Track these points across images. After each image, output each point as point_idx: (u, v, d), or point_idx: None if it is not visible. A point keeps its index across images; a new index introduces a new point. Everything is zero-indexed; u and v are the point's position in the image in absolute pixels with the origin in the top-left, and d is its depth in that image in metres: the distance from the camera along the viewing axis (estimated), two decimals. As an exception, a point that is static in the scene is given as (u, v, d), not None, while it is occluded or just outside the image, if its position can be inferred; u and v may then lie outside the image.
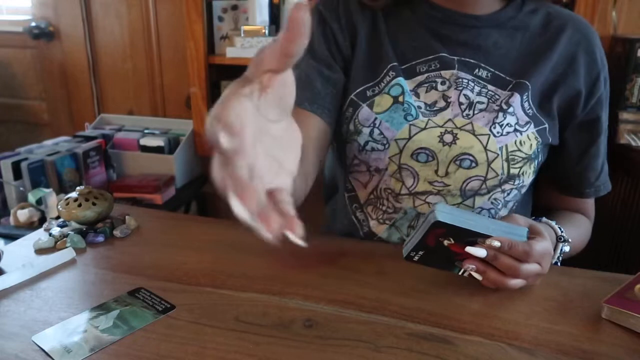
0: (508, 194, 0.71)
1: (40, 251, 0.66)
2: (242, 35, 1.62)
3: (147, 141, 1.75)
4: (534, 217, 0.68)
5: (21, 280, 0.58)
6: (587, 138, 0.74)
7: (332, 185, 0.89)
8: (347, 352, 0.47)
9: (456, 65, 0.69)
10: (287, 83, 0.31)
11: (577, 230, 0.75)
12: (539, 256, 0.54)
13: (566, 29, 0.70)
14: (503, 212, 0.73)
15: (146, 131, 1.84)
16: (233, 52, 1.64)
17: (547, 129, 0.70)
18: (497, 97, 0.68)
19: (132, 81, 2.03)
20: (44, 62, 2.12)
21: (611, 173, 0.80)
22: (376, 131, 0.68)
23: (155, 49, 1.95)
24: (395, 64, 0.69)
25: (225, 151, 0.27)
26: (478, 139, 0.66)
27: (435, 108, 0.68)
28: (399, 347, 0.48)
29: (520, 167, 0.68)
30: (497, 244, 0.52)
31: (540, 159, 0.71)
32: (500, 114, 0.67)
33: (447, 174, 0.67)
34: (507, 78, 0.69)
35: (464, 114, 0.68)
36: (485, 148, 0.66)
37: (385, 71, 0.70)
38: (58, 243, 0.67)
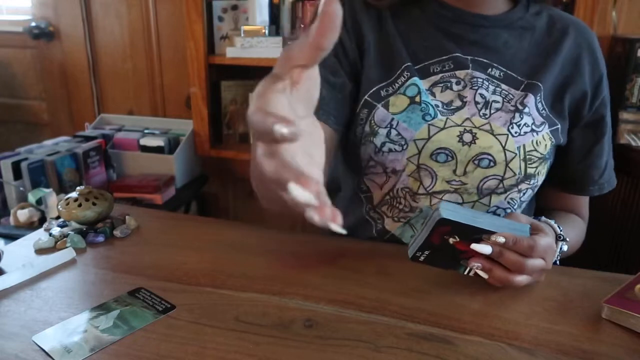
0: (524, 194, 0.71)
1: (40, 251, 0.66)
2: (242, 35, 1.62)
3: (147, 141, 1.75)
4: (532, 217, 0.68)
5: (21, 280, 0.58)
6: (591, 138, 0.75)
7: (333, 186, 0.89)
8: (347, 352, 0.47)
9: (470, 65, 0.69)
10: (313, 77, 0.33)
11: (573, 230, 0.76)
12: (543, 251, 0.55)
13: (569, 31, 0.72)
14: (518, 212, 0.73)
15: (146, 131, 1.84)
16: (233, 52, 1.64)
17: (560, 130, 0.71)
18: (511, 96, 0.69)
19: (132, 81, 2.03)
20: (44, 62, 2.12)
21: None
22: (393, 132, 0.68)
23: (155, 49, 1.96)
24: (409, 64, 0.69)
25: (282, 139, 0.28)
26: (497, 138, 0.67)
27: (452, 107, 0.68)
28: (399, 347, 0.48)
29: (536, 167, 0.69)
30: (501, 239, 0.53)
31: (551, 159, 0.72)
32: (517, 115, 0.67)
33: (465, 173, 0.67)
34: (519, 78, 0.70)
35: (481, 113, 0.68)
36: (504, 148, 0.66)
37: (399, 71, 0.69)
38: (58, 243, 0.67)
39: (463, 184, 0.68)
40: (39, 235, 0.69)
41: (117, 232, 0.70)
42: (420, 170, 0.68)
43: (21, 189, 1.46)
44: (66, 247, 0.65)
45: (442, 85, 0.69)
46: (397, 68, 0.69)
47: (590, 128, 0.74)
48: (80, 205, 0.69)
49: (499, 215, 0.70)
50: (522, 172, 0.68)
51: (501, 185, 0.68)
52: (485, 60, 0.70)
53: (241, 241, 0.69)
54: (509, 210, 0.71)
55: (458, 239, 0.54)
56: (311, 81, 0.33)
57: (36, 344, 0.47)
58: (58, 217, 0.73)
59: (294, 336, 0.49)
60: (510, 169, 0.67)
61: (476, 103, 0.68)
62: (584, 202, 0.82)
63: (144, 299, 0.55)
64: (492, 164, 0.67)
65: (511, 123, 0.67)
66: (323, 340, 0.49)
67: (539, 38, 0.72)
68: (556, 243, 0.66)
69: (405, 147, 0.68)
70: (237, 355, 0.47)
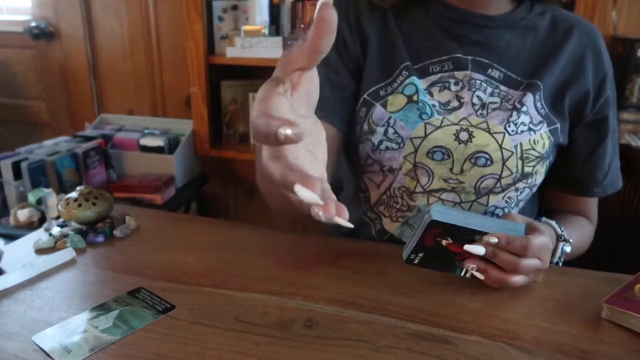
0: (521, 193, 0.71)
1: (40, 251, 0.66)
2: (242, 35, 1.62)
3: (147, 141, 1.75)
4: (533, 218, 0.68)
5: (21, 280, 0.58)
6: (595, 138, 0.74)
7: (335, 186, 0.89)
8: (347, 352, 0.47)
9: (470, 66, 0.69)
10: (312, 79, 0.34)
11: (578, 231, 0.75)
12: (538, 250, 0.54)
13: (574, 31, 0.72)
14: (515, 212, 0.73)
15: (146, 131, 1.84)
16: (233, 52, 1.64)
17: (559, 129, 0.71)
18: (509, 97, 0.69)
19: (132, 81, 2.03)
20: (44, 62, 2.12)
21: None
22: (390, 130, 0.68)
23: (155, 49, 1.96)
24: (408, 63, 0.69)
25: (286, 140, 0.29)
26: (493, 137, 0.67)
27: (449, 107, 0.69)
28: (399, 347, 0.48)
29: (534, 166, 0.68)
30: (494, 240, 0.53)
31: (551, 158, 0.72)
32: (514, 113, 0.67)
33: (462, 171, 0.67)
34: (519, 79, 0.70)
35: (478, 113, 0.68)
36: (500, 146, 0.66)
37: (398, 71, 0.69)
38: (58, 243, 0.67)
39: (460, 183, 0.68)
40: (39, 235, 0.69)
41: (117, 232, 0.70)
42: (417, 168, 0.68)
43: (21, 189, 1.46)
44: (66, 247, 0.65)
45: (440, 85, 0.69)
46: (396, 67, 0.70)
47: (593, 128, 0.74)
48: (80, 205, 0.69)
49: (496, 215, 0.70)
50: (520, 171, 0.67)
51: (498, 184, 0.68)
52: (485, 61, 0.70)
53: (241, 241, 0.69)
54: (506, 210, 0.71)
55: (451, 241, 0.54)
56: (311, 83, 0.34)
57: (36, 344, 0.47)
58: (58, 217, 0.73)
59: (294, 336, 0.49)
60: (507, 168, 0.67)
61: (473, 104, 0.68)
62: (591, 204, 0.81)
63: (144, 299, 0.55)
64: (488, 162, 0.67)
65: (508, 121, 0.67)
66: (323, 340, 0.49)
67: (542, 38, 0.71)
68: (557, 243, 0.66)
69: (402, 145, 0.68)
70: (237, 355, 0.47)
